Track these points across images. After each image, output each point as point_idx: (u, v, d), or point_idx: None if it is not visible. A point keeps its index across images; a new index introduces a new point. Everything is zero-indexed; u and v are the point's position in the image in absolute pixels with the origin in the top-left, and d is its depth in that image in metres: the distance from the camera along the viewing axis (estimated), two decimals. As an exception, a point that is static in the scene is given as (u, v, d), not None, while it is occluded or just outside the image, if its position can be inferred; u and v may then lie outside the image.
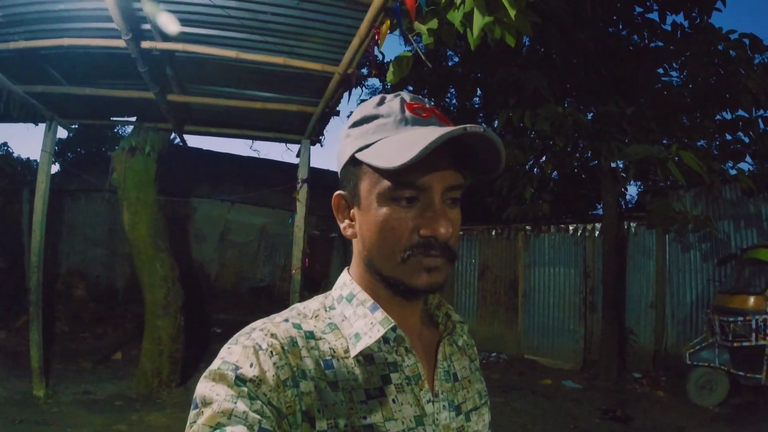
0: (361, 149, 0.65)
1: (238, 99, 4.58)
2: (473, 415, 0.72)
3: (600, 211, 8.92)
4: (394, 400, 0.62)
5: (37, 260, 4.90)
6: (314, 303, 0.70)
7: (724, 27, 5.68)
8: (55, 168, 9.76)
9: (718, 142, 6.36)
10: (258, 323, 0.64)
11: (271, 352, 0.58)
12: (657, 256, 7.71)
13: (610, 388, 6.43)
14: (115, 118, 5.63)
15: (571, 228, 8.19)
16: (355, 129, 0.67)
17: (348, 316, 0.66)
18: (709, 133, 5.90)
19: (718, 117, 6.08)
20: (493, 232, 9.19)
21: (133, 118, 5.44)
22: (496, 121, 6.72)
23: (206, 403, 0.54)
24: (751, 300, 5.47)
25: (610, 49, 6.20)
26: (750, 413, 5.42)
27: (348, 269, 0.72)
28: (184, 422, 0.55)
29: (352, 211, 0.69)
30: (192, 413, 0.55)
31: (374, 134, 0.64)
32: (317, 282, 11.28)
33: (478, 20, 2.47)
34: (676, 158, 5.29)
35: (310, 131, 5.16)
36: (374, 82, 13.85)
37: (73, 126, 5.79)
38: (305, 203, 5.23)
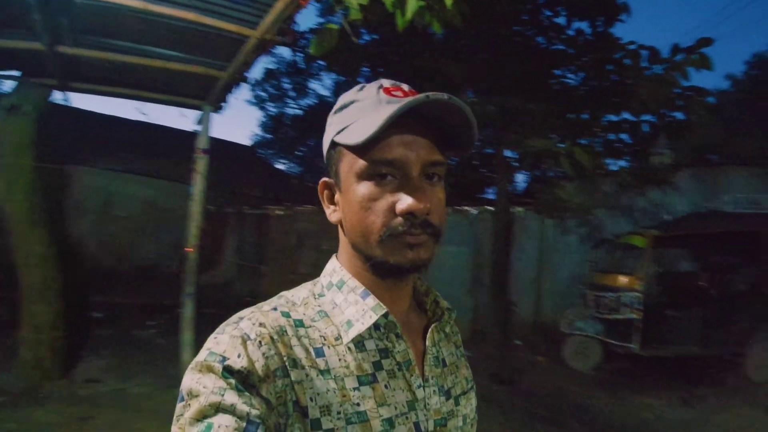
0: (338, 133, 0.65)
1: (136, 55, 4.08)
2: (462, 399, 0.73)
3: (489, 196, 9.62)
4: (386, 386, 0.62)
5: None
6: (303, 291, 0.69)
7: (636, 35, 6.25)
8: None
9: (601, 140, 7.06)
10: (246, 312, 0.62)
11: (260, 342, 0.57)
12: (539, 237, 8.57)
13: (496, 355, 6.99)
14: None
15: (466, 211, 8.73)
16: (335, 116, 0.68)
17: (338, 303, 0.66)
18: (595, 131, 6.53)
19: (606, 118, 6.73)
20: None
21: (14, 73, 4.63)
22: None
23: (193, 395, 0.53)
24: (624, 279, 6.29)
25: (517, 47, 6.57)
26: (622, 377, 6.24)
27: (336, 256, 0.72)
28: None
29: (336, 196, 0.69)
30: (179, 406, 0.54)
31: (351, 117, 0.65)
32: (209, 260, 10.67)
33: (412, 4, 2.47)
34: (565, 153, 5.81)
35: (213, 97, 4.80)
36: (284, 50, 13.30)
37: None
38: (204, 176, 4.88)
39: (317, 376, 0.59)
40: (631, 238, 6.74)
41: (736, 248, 6.72)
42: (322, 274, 0.71)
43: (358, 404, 0.59)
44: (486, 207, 8.46)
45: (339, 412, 0.58)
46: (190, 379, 0.55)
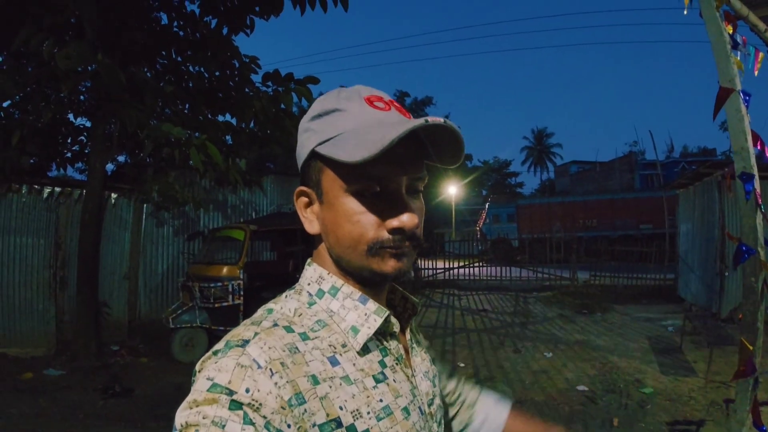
0: (321, 143, 0.62)
1: None
2: (435, 379, 0.79)
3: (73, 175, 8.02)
4: (394, 380, 0.65)
5: None
6: (291, 302, 0.66)
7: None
8: None
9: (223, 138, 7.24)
10: (247, 332, 0.57)
11: (271, 370, 0.53)
12: (133, 228, 7.92)
13: (95, 366, 6.10)
14: None
15: (46, 191, 6.97)
16: (314, 122, 0.65)
17: (336, 311, 0.65)
18: (219, 128, 6.69)
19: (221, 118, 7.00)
20: None
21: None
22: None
23: (190, 425, 0.48)
24: (227, 269, 6.77)
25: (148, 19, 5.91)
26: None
27: (315, 263, 0.70)
28: None
29: (315, 206, 0.67)
30: None
31: (334, 127, 0.62)
32: None
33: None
34: (197, 145, 5.81)
35: None
36: None
37: None
38: None
39: (340, 385, 0.58)
40: (230, 231, 7.27)
41: (297, 239, 8.42)
42: (304, 282, 0.69)
43: (381, 400, 0.61)
44: (72, 189, 7.01)
45: (369, 412, 0.59)
46: (186, 414, 0.49)
